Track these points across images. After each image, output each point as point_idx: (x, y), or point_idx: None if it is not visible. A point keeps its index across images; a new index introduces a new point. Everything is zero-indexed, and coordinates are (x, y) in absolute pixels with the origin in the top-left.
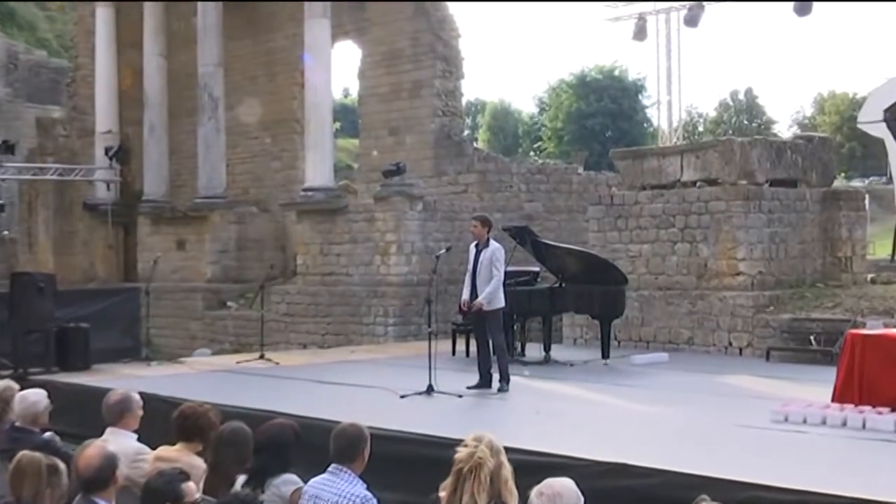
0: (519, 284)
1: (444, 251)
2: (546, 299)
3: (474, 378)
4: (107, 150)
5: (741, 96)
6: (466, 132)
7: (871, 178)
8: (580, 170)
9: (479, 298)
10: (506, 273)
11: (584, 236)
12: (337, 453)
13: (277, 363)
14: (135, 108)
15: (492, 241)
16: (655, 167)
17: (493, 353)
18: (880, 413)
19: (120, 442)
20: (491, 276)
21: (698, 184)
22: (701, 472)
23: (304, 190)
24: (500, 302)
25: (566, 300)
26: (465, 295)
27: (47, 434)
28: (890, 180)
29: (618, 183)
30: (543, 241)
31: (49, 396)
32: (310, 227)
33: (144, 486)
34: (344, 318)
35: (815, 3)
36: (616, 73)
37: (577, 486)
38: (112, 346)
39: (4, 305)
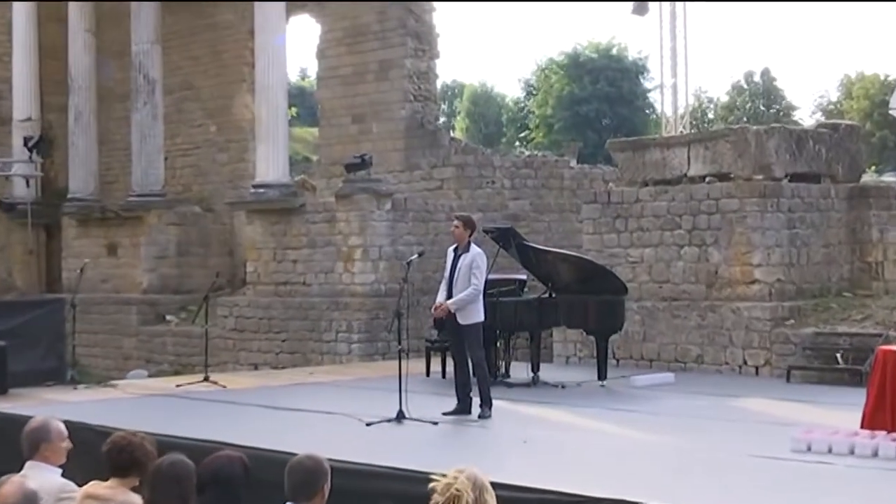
0: (503, 295)
1: (416, 257)
2: (534, 312)
3: (452, 403)
4: (26, 141)
5: (757, 78)
6: (442, 120)
7: None
8: (573, 163)
9: (449, 302)
10: (488, 282)
11: (578, 239)
12: (292, 489)
13: (224, 386)
14: (58, 93)
15: (473, 246)
16: (659, 160)
17: (473, 374)
18: None
19: (42, 477)
20: (466, 286)
21: (708, 179)
22: None
23: (255, 186)
24: (479, 315)
25: (557, 313)
26: (440, 299)
27: None
28: None
29: (616, 178)
30: (531, 244)
31: None
32: (261, 230)
33: None
34: (301, 335)
35: None
36: (614, 52)
37: None
38: (33, 368)
39: None
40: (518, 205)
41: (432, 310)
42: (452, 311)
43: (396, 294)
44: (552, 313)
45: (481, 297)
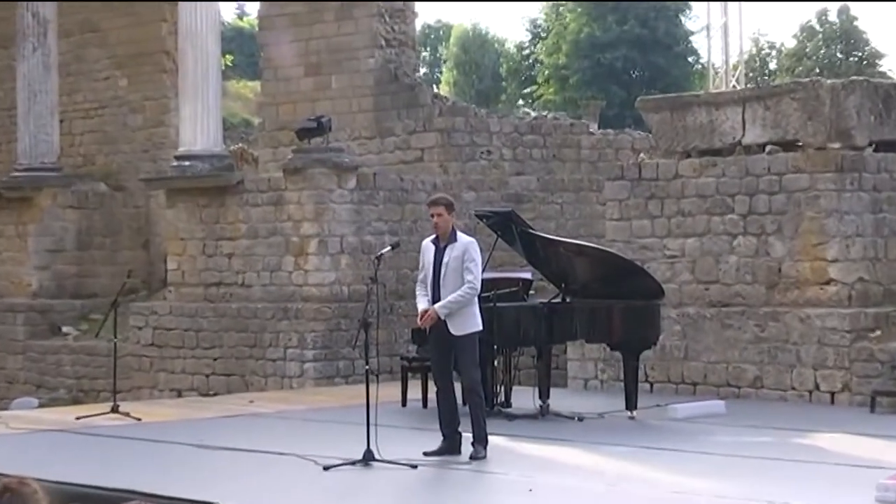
0: (502, 299)
1: (388, 250)
2: (542, 321)
3: (436, 440)
4: None
5: (833, 17)
6: (422, 72)
7: None
8: (593, 127)
9: (438, 306)
10: (483, 282)
11: (600, 227)
12: None
13: (139, 419)
14: None
15: (461, 235)
16: (705, 123)
17: (464, 403)
18: None
19: None
20: (458, 286)
21: (769, 149)
22: None
23: (178, 158)
24: (476, 324)
25: (572, 323)
26: (423, 305)
27: None
28: None
29: (649, 147)
30: (538, 233)
31: None
32: (186, 215)
33: None
34: (239, 351)
35: None
36: None
37: None
38: None
39: None
40: (522, 182)
41: (419, 320)
42: (442, 317)
43: (363, 298)
44: (566, 323)
45: (477, 299)
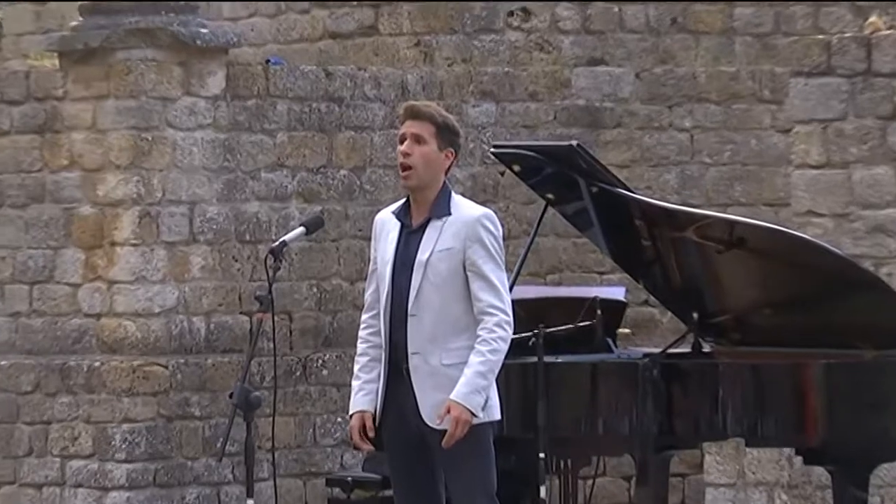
0: (555, 346)
1: (298, 234)
2: (649, 398)
3: None
4: None
5: None
6: None
7: None
8: None
9: (460, 394)
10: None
11: (775, 188)
12: None
13: None
14: None
15: (460, 201)
16: None
17: None
18: None
19: None
20: (464, 319)
21: None
22: None
23: None
24: (487, 406)
25: (717, 401)
26: (361, 404)
27: None
28: None
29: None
30: (637, 197)
31: None
32: None
33: None
34: None
35: None
36: None
37: None
38: None
39: None
40: (601, 80)
41: (364, 424)
42: (478, 412)
43: (241, 346)
44: (702, 402)
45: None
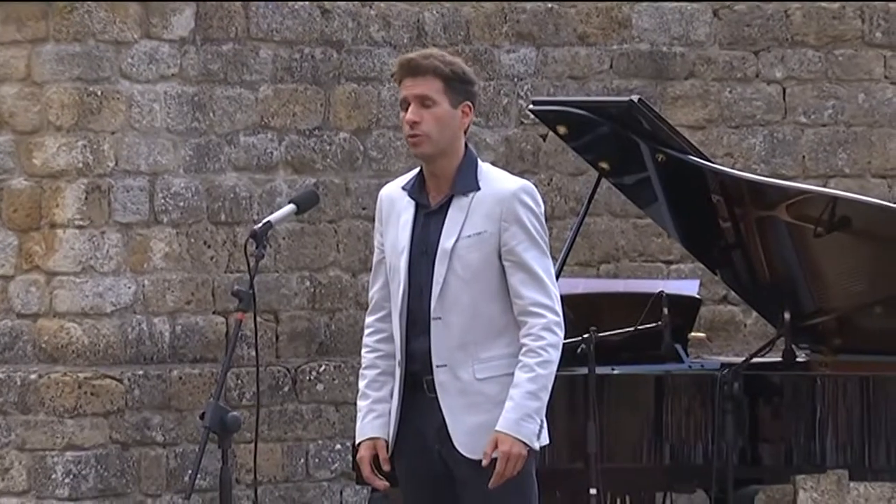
0: (613, 354)
1: (286, 213)
2: (728, 417)
3: None
4: None
5: None
6: None
7: None
8: None
9: (504, 425)
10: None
11: (893, 159)
12: None
13: None
14: None
15: (489, 170)
16: None
17: None
18: None
19: None
20: (501, 321)
21: None
22: None
23: None
24: (543, 433)
25: (813, 422)
26: (369, 431)
27: None
28: None
29: None
30: (714, 167)
31: None
32: None
33: None
34: None
35: None
36: None
37: None
38: None
39: None
40: (672, 17)
41: (376, 455)
42: (534, 444)
43: (214, 355)
44: (794, 421)
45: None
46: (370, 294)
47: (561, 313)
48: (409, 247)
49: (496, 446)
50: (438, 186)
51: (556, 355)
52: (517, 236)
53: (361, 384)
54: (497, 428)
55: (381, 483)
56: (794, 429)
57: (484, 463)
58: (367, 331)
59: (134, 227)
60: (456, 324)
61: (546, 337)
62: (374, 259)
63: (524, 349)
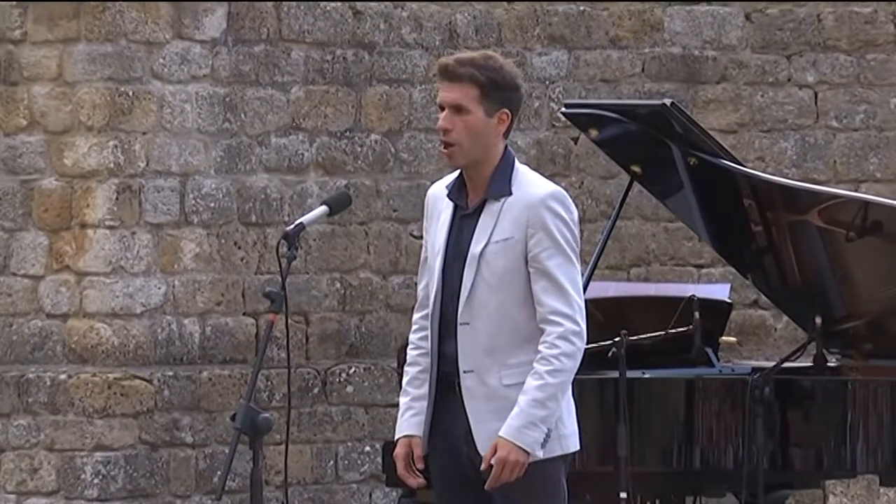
0: (643, 358)
1: (319, 214)
2: (759, 422)
3: None
4: None
5: None
6: None
7: None
8: None
9: (506, 431)
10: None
11: None
12: None
13: None
14: None
15: (525, 174)
16: None
17: None
18: None
19: None
20: (528, 328)
21: None
22: None
23: None
24: (559, 436)
25: (844, 427)
26: (408, 429)
27: None
28: None
29: None
30: (747, 170)
31: None
32: None
33: None
34: None
35: None
36: None
37: None
38: None
39: None
40: (704, 20)
41: (411, 453)
42: (536, 452)
43: (244, 356)
44: (825, 427)
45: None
46: (418, 290)
47: (582, 323)
48: (445, 249)
49: (496, 451)
50: (476, 189)
51: (570, 364)
52: (542, 243)
53: (404, 381)
54: (500, 433)
55: (416, 480)
56: (824, 433)
57: (482, 468)
58: (413, 327)
59: (164, 228)
60: (482, 329)
61: (560, 346)
62: (422, 256)
63: (538, 356)
